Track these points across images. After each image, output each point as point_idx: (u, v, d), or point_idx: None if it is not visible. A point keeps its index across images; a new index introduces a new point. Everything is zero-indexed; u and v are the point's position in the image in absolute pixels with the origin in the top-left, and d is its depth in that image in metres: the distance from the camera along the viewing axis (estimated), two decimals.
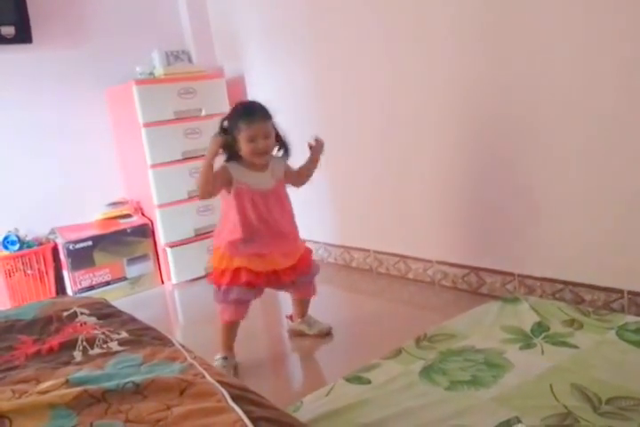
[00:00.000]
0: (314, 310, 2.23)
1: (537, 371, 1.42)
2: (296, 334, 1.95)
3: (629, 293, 1.68)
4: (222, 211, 1.74)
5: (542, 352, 1.52)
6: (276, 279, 1.75)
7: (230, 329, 1.75)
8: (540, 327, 1.65)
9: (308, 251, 1.86)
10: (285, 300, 2.45)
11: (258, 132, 1.59)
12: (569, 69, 1.69)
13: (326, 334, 1.91)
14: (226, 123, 1.64)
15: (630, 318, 1.61)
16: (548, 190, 1.83)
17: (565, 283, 1.83)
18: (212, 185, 1.62)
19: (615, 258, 1.70)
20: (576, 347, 1.52)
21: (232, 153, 1.65)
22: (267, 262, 1.70)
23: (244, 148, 1.61)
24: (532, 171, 1.85)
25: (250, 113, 1.60)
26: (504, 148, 1.92)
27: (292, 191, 2.50)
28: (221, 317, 1.74)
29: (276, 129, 1.67)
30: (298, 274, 1.78)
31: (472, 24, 1.90)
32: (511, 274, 1.98)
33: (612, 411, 1.22)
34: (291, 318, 1.98)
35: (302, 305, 1.94)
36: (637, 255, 1.64)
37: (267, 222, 1.69)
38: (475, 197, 2.05)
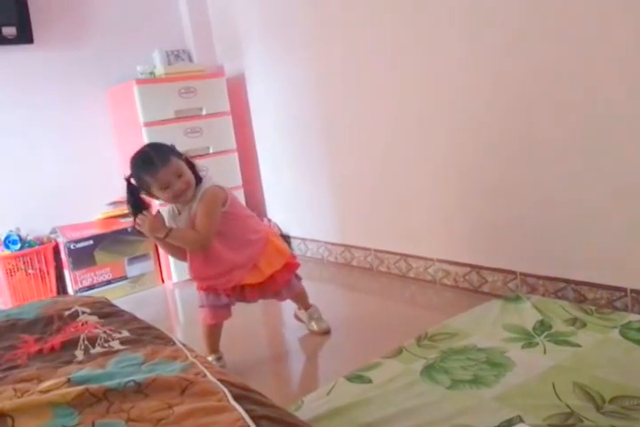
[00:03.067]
0: (316, 306, 2.22)
1: (539, 370, 1.41)
2: (298, 320, 1.96)
3: (632, 291, 1.67)
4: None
5: (545, 351, 1.52)
6: (242, 296, 1.71)
7: (212, 331, 1.74)
8: (543, 326, 1.65)
9: (288, 269, 1.74)
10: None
11: (167, 177, 1.50)
12: (575, 69, 1.69)
13: (324, 333, 1.90)
14: (133, 181, 1.56)
15: (633, 317, 1.60)
16: (549, 189, 1.82)
17: (568, 281, 1.83)
18: (176, 251, 1.61)
19: (618, 256, 1.69)
20: (579, 346, 1.51)
21: (140, 209, 1.55)
22: (229, 281, 1.65)
23: (163, 197, 1.54)
24: (533, 168, 1.85)
25: (149, 163, 1.50)
26: (506, 148, 1.91)
27: (291, 188, 2.46)
28: (202, 320, 1.73)
29: (185, 159, 1.57)
30: (264, 293, 1.72)
31: (476, 19, 1.89)
32: (513, 272, 1.98)
33: (616, 410, 1.21)
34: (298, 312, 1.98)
35: (297, 301, 1.92)
36: None
37: (217, 265, 1.61)
38: (476, 196, 2.04)
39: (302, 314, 1.94)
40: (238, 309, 2.37)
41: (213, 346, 1.76)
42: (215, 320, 1.72)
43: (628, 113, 1.59)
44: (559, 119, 1.74)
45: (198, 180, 1.58)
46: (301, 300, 1.92)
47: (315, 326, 1.91)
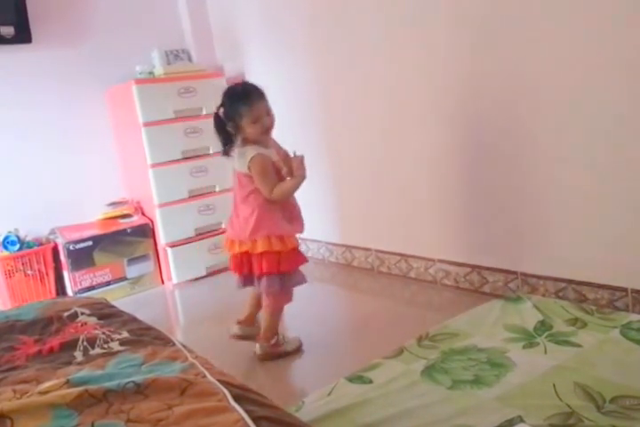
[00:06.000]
0: (317, 308, 2.21)
1: (540, 370, 1.41)
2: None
3: (633, 291, 1.67)
4: (255, 201, 1.66)
5: (545, 351, 1.51)
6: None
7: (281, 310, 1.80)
8: (543, 326, 1.64)
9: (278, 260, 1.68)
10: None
11: (261, 111, 1.60)
12: (573, 67, 1.68)
13: (257, 357, 1.76)
14: (221, 111, 1.63)
15: (634, 317, 1.60)
16: (550, 189, 1.82)
17: (569, 281, 1.82)
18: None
19: (619, 256, 1.69)
20: (579, 346, 1.51)
21: (230, 140, 1.65)
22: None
23: (250, 130, 1.61)
24: (534, 170, 1.84)
25: (246, 95, 1.60)
26: (507, 147, 1.91)
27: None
28: (279, 302, 1.76)
29: None
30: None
31: (472, 20, 1.89)
32: (514, 272, 1.97)
33: (616, 410, 1.21)
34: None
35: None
36: None
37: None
38: (477, 196, 2.04)
39: (256, 346, 1.78)
40: (241, 309, 2.37)
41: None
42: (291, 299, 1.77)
43: (629, 113, 1.59)
44: (561, 119, 1.74)
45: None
46: (263, 320, 1.77)
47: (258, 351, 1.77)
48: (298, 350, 1.80)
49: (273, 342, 1.76)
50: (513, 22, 1.78)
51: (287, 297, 1.77)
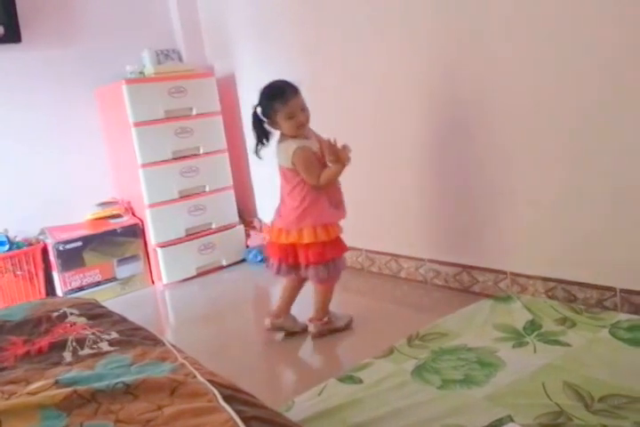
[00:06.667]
0: (302, 306, 2.21)
1: (530, 369, 1.42)
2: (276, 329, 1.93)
3: (622, 291, 1.69)
4: (301, 194, 1.76)
5: (535, 351, 1.52)
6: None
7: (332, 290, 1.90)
8: (533, 326, 1.65)
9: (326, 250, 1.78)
10: (277, 298, 2.44)
11: (295, 107, 1.70)
12: (550, 60, 1.70)
13: (313, 336, 1.88)
14: (259, 109, 1.74)
15: (623, 316, 1.62)
16: (539, 189, 1.84)
17: (558, 281, 1.84)
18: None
19: (608, 256, 1.70)
20: (569, 345, 1.52)
21: (266, 137, 1.77)
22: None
23: (286, 125, 1.72)
24: (523, 171, 1.86)
25: (281, 93, 1.70)
26: (497, 148, 1.92)
27: (271, 184, 2.45)
28: (332, 286, 1.89)
29: None
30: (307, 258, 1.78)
31: (456, 15, 1.90)
32: (503, 272, 1.99)
33: (605, 409, 1.22)
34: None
35: (314, 302, 1.91)
36: (630, 253, 1.65)
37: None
38: (467, 196, 2.05)
39: (310, 325, 1.89)
40: (231, 310, 2.36)
41: None
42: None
43: (607, 107, 1.61)
44: (544, 120, 1.76)
45: None
46: (316, 302, 1.89)
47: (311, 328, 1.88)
48: (348, 326, 1.92)
49: (325, 320, 1.88)
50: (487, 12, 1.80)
51: (335, 279, 1.89)
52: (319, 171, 1.75)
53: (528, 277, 1.92)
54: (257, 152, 1.79)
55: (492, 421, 1.22)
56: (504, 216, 1.95)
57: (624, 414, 1.19)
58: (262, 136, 1.77)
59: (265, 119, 1.75)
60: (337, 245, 1.83)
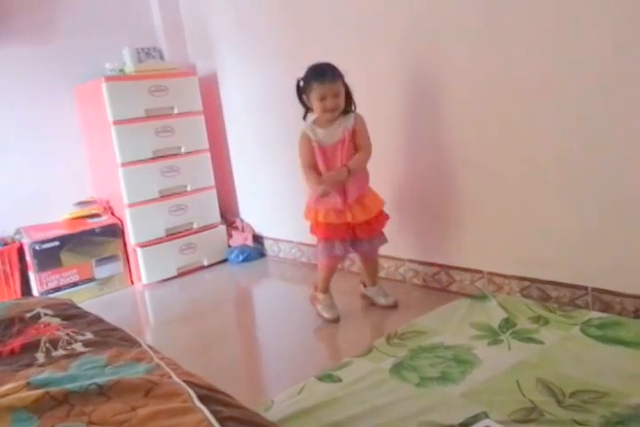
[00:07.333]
0: (284, 306, 2.22)
1: (504, 367, 1.45)
2: (367, 301, 2.09)
3: (593, 289, 1.73)
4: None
5: (509, 348, 1.55)
6: (352, 234, 1.92)
7: (326, 272, 2.02)
8: (508, 324, 1.69)
9: (384, 215, 1.98)
10: (259, 298, 2.44)
11: (328, 91, 1.77)
12: (538, 64, 1.73)
13: (392, 306, 2.02)
14: (301, 83, 1.84)
15: (594, 314, 1.66)
16: (514, 191, 1.87)
17: (532, 280, 1.88)
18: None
19: (580, 256, 1.74)
20: (542, 343, 1.56)
21: (307, 108, 1.87)
22: (341, 216, 1.89)
23: (315, 105, 1.81)
24: (500, 171, 1.89)
25: (321, 74, 1.78)
26: (473, 150, 1.95)
27: (264, 189, 2.48)
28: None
29: (346, 87, 1.83)
30: (372, 231, 1.93)
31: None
32: (480, 272, 2.02)
33: (575, 404, 1.26)
34: (364, 284, 2.12)
35: (369, 272, 2.07)
36: (601, 253, 1.70)
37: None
38: (444, 197, 2.08)
39: (369, 290, 2.07)
40: (212, 310, 2.35)
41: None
42: (328, 264, 2.01)
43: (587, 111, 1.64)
44: (526, 124, 1.79)
45: (347, 109, 1.86)
46: (375, 271, 2.08)
47: (383, 301, 2.03)
48: (331, 322, 1.98)
49: (316, 293, 2.07)
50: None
51: (322, 260, 2.02)
52: (306, 160, 1.88)
53: (504, 276, 1.95)
54: (304, 117, 1.91)
55: (468, 417, 1.24)
56: (480, 217, 1.98)
57: (592, 409, 1.23)
58: (304, 105, 1.88)
59: (302, 93, 1.84)
60: (320, 229, 1.94)
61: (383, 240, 2.00)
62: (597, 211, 1.68)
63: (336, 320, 1.96)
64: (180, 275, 2.71)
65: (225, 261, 2.86)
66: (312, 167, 1.87)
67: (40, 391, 0.85)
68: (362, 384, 1.44)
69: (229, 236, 2.91)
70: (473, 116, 1.92)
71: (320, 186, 1.83)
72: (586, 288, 1.75)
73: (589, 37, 1.59)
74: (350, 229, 1.92)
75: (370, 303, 2.08)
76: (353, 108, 1.88)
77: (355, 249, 2.00)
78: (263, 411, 1.35)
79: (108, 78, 2.52)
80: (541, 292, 1.86)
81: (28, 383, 0.90)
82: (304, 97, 1.85)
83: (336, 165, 1.86)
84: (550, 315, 1.70)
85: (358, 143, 1.88)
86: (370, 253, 2.02)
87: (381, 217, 1.97)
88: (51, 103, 2.67)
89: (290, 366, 1.69)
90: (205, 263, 2.81)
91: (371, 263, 2.06)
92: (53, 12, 2.66)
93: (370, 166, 1.95)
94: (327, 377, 1.50)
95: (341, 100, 1.81)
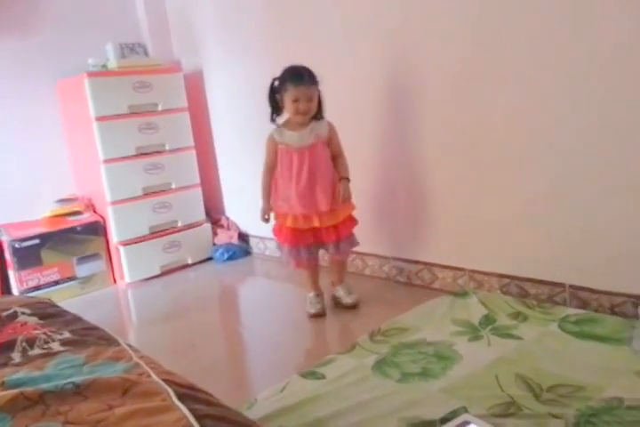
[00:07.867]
0: (269, 304, 2.22)
1: (484, 362, 1.47)
2: (335, 302, 2.07)
3: (571, 286, 1.76)
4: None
5: (489, 344, 1.58)
6: (318, 237, 1.94)
7: (306, 273, 2.04)
8: (488, 320, 1.71)
9: (352, 219, 1.98)
10: (243, 297, 2.44)
11: (302, 94, 1.78)
12: (523, 67, 1.75)
13: (354, 306, 2.01)
14: (276, 82, 1.83)
15: (571, 311, 1.69)
16: (494, 191, 1.89)
17: (512, 277, 1.90)
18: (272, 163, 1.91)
19: (558, 254, 1.77)
20: (520, 338, 1.58)
21: (277, 108, 1.87)
22: (308, 221, 1.89)
23: (288, 106, 1.81)
24: (480, 172, 1.91)
25: (298, 76, 1.78)
26: (454, 147, 1.97)
27: (250, 187, 2.46)
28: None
29: (319, 94, 1.83)
30: (338, 236, 1.92)
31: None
32: (462, 269, 2.04)
33: (552, 398, 1.28)
34: (332, 283, 2.12)
35: (335, 272, 2.08)
36: (578, 252, 1.72)
37: (299, 177, 1.85)
38: (424, 195, 2.10)
39: (338, 290, 2.06)
40: (196, 309, 2.34)
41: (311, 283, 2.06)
42: (301, 266, 2.02)
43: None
44: (507, 124, 1.81)
45: (318, 115, 1.87)
46: (340, 271, 2.07)
47: (349, 300, 2.02)
48: (312, 316, 2.00)
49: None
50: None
51: (290, 263, 2.01)
52: (267, 162, 1.93)
53: (484, 273, 1.98)
54: (272, 120, 1.90)
55: (448, 412, 1.25)
56: (461, 216, 2.00)
57: (568, 402, 1.25)
58: (274, 105, 1.87)
59: (276, 93, 1.84)
60: (284, 234, 1.94)
61: (352, 243, 1.99)
62: (575, 210, 1.71)
63: (316, 315, 1.97)
64: (164, 273, 2.69)
65: (210, 259, 2.84)
66: (271, 169, 1.91)
67: (14, 391, 0.84)
68: (345, 381, 1.45)
69: (214, 234, 2.89)
70: (446, 117, 1.94)
71: (263, 207, 1.92)
72: (563, 285, 1.78)
73: (570, 47, 1.62)
74: (317, 233, 1.93)
75: (335, 303, 2.07)
76: (323, 114, 1.89)
77: (323, 250, 2.01)
78: (246, 409, 1.35)
79: (91, 74, 2.48)
80: (520, 289, 1.88)
81: (3, 383, 0.89)
82: (277, 96, 1.84)
83: (301, 169, 1.84)
84: (529, 311, 1.72)
85: (335, 150, 1.90)
86: (337, 255, 2.00)
87: (349, 222, 1.96)
88: (32, 99, 2.62)
89: (273, 364, 1.69)
90: (190, 262, 2.79)
91: (337, 264, 2.06)
92: (36, 6, 2.61)
93: (350, 169, 1.95)
94: (311, 374, 1.51)
95: (314, 105, 1.82)
